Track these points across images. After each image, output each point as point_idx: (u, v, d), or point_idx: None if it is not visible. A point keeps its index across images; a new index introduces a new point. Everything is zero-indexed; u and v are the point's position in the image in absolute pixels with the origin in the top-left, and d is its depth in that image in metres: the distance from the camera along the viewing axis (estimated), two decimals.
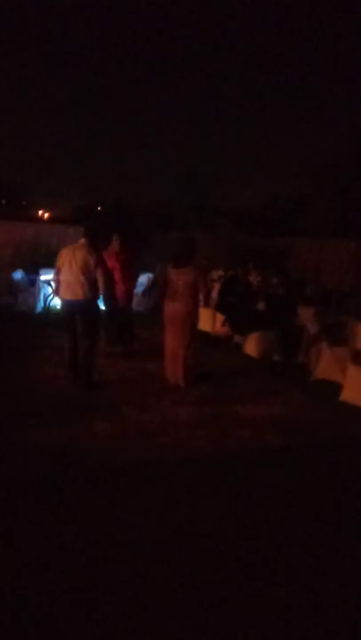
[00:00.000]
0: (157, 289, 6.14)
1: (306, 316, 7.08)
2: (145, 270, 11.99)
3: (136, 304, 10.70)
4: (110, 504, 3.17)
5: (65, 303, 5.40)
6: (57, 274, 5.34)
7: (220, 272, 10.75)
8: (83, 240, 5.28)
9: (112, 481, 3.47)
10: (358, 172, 14.88)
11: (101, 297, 5.37)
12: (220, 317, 8.16)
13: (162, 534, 2.87)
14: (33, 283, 10.58)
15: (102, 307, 5.67)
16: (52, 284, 5.64)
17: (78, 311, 5.25)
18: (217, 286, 9.34)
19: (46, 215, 29.62)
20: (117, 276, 6.56)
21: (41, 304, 10.27)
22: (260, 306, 7.82)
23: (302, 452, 4.11)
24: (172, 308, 5.65)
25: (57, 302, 10.11)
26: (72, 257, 5.19)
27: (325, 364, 6.04)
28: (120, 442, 4.12)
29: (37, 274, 10.66)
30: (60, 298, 5.44)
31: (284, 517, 3.12)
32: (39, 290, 10.27)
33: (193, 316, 5.71)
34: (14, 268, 11.45)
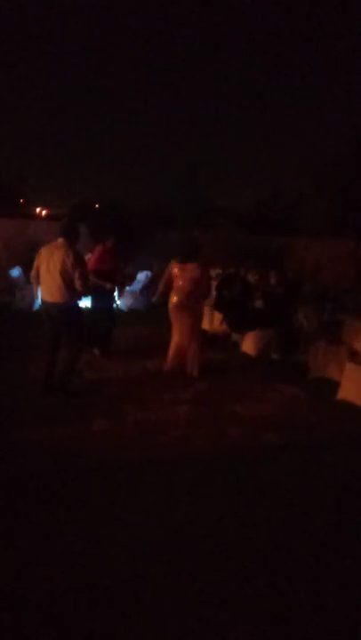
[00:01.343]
0: (160, 286, 6.07)
1: (304, 314, 7.08)
2: (143, 269, 12.02)
3: (134, 302, 10.74)
4: (110, 504, 3.17)
5: (43, 304, 5.14)
6: (36, 274, 5.06)
7: (218, 270, 10.75)
8: (60, 239, 4.95)
9: (112, 480, 3.47)
10: (358, 172, 14.86)
11: (88, 297, 5.21)
12: (217, 316, 8.16)
13: (162, 534, 2.87)
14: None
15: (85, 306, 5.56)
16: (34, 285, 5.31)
17: (57, 314, 4.98)
18: (215, 284, 9.34)
19: (44, 213, 29.53)
20: (118, 275, 6.62)
21: (38, 302, 10.22)
22: (258, 304, 7.82)
23: (301, 451, 4.12)
24: (176, 303, 5.83)
25: None
26: (50, 257, 4.90)
27: (323, 363, 6.06)
28: (120, 441, 4.12)
29: None
30: (41, 298, 5.18)
31: (284, 517, 3.12)
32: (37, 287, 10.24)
33: (197, 311, 5.98)
34: (12, 266, 11.42)
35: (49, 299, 4.98)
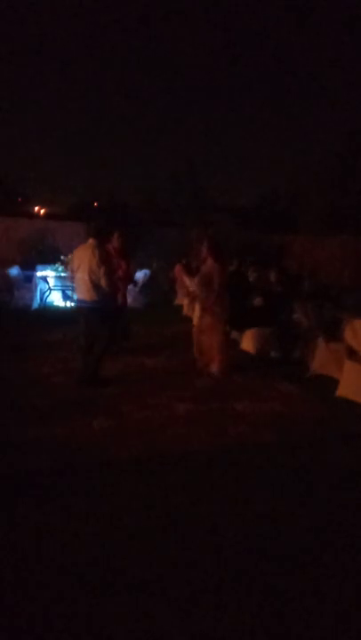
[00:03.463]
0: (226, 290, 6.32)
1: (303, 311, 7.07)
2: (141, 268, 12.00)
3: (133, 301, 10.73)
4: (110, 502, 3.16)
5: (77, 303, 5.50)
6: (72, 275, 5.41)
7: None
8: (91, 240, 5.26)
9: (111, 478, 3.46)
10: (357, 170, 14.89)
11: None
12: None
13: (162, 533, 2.86)
14: (29, 279, 10.55)
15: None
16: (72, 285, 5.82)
17: (87, 312, 5.29)
18: None
19: (42, 211, 29.46)
20: (122, 273, 6.54)
21: (37, 300, 10.23)
22: (257, 302, 7.81)
23: (300, 448, 4.11)
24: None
25: (53, 299, 10.13)
26: (80, 258, 5.22)
27: (322, 360, 6.05)
28: (119, 439, 4.11)
29: (34, 270, 10.63)
30: (76, 297, 5.56)
31: (283, 514, 3.11)
32: (35, 286, 10.24)
33: None
34: (10, 265, 11.42)
35: (80, 297, 5.30)
